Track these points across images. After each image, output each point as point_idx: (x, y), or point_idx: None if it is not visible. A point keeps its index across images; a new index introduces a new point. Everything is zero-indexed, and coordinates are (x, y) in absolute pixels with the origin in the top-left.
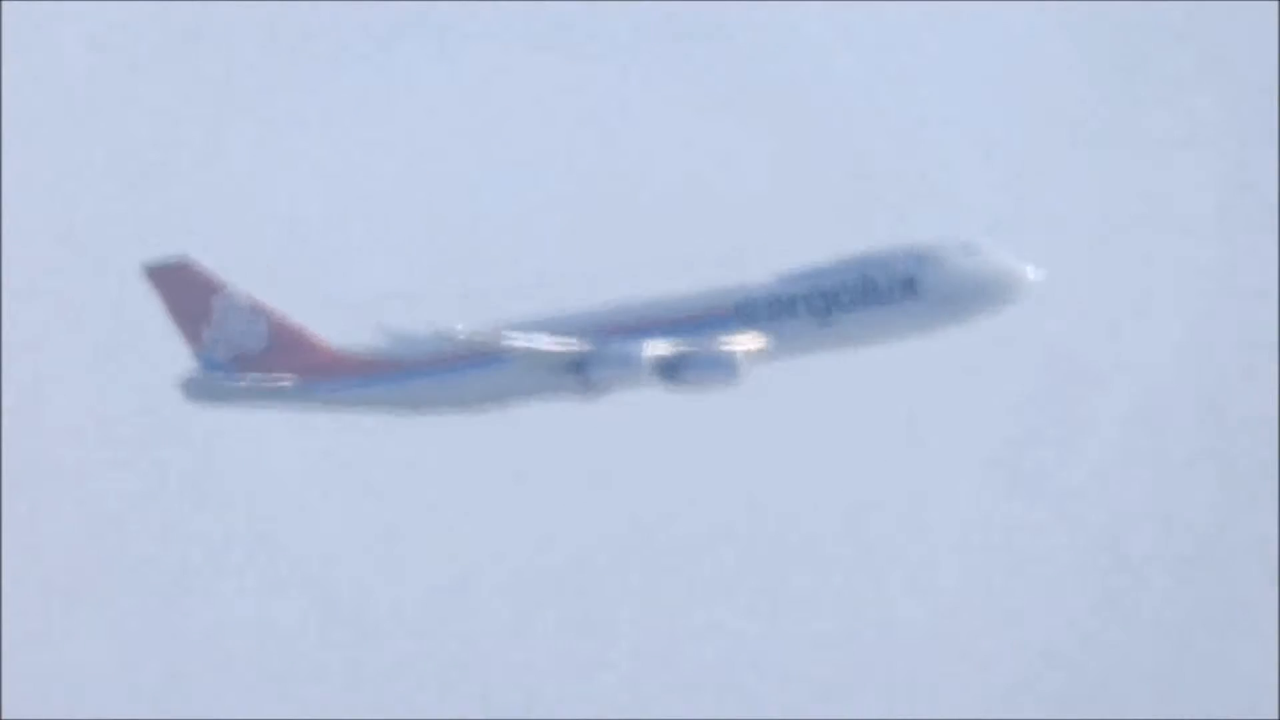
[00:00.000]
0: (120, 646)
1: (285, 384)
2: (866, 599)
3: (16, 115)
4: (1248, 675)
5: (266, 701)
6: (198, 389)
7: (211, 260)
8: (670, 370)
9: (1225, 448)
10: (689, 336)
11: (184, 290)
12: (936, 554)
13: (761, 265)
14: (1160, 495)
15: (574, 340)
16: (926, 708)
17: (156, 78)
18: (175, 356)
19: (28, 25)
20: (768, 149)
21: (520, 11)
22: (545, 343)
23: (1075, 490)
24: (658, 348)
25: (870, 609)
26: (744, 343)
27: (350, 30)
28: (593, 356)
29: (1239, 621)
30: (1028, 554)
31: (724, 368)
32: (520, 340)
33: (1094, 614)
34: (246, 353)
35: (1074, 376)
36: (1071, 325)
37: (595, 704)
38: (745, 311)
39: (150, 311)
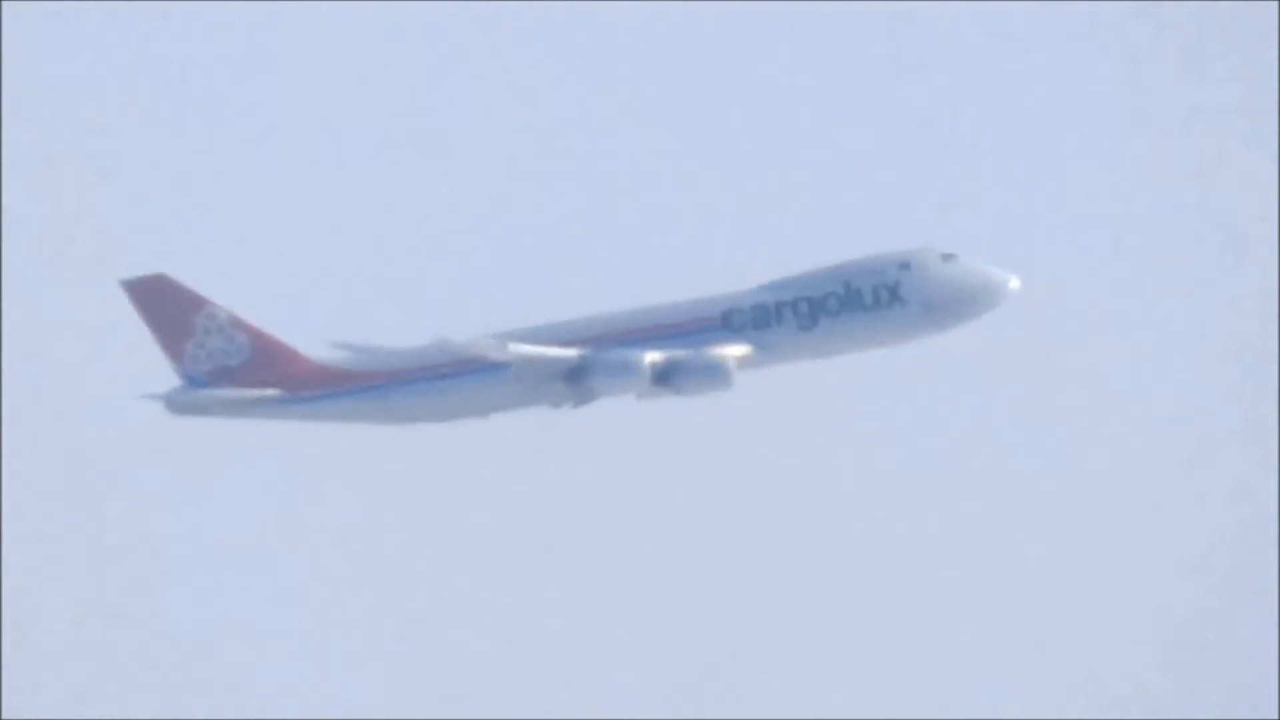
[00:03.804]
0: (114, 651)
1: (268, 396)
2: (855, 603)
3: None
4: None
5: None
6: (180, 402)
7: (190, 276)
8: (663, 378)
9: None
10: (676, 345)
11: (163, 305)
12: (920, 558)
13: (745, 274)
14: (1146, 498)
15: (573, 349)
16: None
17: (138, 89)
18: (156, 372)
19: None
20: (745, 156)
21: (500, 11)
22: (548, 351)
23: (1055, 494)
24: (652, 355)
25: (860, 613)
26: (733, 350)
27: (327, 34)
28: (592, 364)
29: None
30: (1015, 560)
31: (716, 375)
32: (524, 349)
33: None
34: (228, 367)
35: (1056, 382)
36: (1052, 330)
37: (594, 707)
38: (731, 320)
39: (132, 327)
